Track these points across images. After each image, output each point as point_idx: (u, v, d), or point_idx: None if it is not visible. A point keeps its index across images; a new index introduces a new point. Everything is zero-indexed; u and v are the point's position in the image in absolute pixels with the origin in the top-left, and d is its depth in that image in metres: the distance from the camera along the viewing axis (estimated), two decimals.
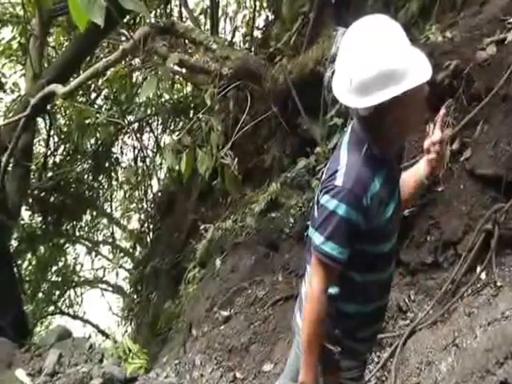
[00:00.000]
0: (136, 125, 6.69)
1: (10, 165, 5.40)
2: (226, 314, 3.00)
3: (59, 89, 4.59)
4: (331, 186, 1.24)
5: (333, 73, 1.28)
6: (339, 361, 1.38)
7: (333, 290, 1.34)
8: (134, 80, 5.84)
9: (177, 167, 3.53)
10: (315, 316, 1.29)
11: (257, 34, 5.39)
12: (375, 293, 1.41)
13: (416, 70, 1.18)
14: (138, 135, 6.76)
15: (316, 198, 1.36)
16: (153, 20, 4.94)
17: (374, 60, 1.17)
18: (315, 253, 1.29)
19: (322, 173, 2.96)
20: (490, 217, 2.22)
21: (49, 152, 6.77)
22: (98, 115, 5.85)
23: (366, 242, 1.30)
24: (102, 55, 5.73)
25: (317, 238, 1.28)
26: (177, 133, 5.73)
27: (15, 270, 5.75)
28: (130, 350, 3.37)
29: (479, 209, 2.30)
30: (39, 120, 6.27)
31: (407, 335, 2.28)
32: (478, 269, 2.23)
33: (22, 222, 6.89)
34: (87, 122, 6.09)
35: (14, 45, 6.43)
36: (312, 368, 1.32)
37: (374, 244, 1.33)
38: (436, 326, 2.23)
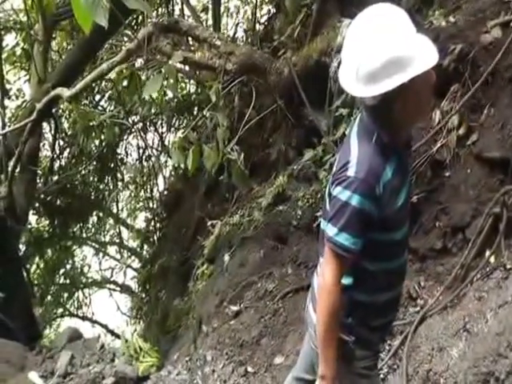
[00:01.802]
0: (140, 124, 6.90)
1: (17, 170, 5.62)
2: (235, 308, 3.10)
3: (65, 92, 4.74)
4: (343, 177, 1.27)
5: (339, 63, 1.37)
6: (353, 350, 1.43)
7: (346, 281, 1.38)
8: (138, 79, 6.02)
9: (182, 164, 3.67)
10: (329, 308, 1.32)
11: (259, 28, 5.54)
12: (388, 282, 1.44)
13: (422, 56, 1.21)
14: (143, 134, 6.95)
15: (327, 190, 1.40)
16: (155, 19, 5.11)
17: (380, 49, 1.21)
18: (329, 244, 1.32)
19: (330, 164, 3.06)
20: (497, 200, 2.28)
21: (54, 155, 7.03)
22: (102, 117, 6.05)
23: (378, 231, 1.33)
24: (104, 56, 5.94)
25: (330, 229, 1.31)
26: (181, 130, 5.89)
27: (24, 273, 5.97)
28: (141, 349, 3.50)
29: (487, 192, 2.36)
30: (44, 124, 6.49)
31: (418, 322, 2.33)
32: (487, 252, 2.28)
33: (30, 226, 7.11)
34: (92, 123, 6.31)
35: (18, 51, 6.69)
36: (331, 361, 1.35)
37: (386, 232, 1.37)
38: (446, 311, 2.29)
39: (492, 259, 2.27)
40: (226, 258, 3.45)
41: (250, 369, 2.84)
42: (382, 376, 2.34)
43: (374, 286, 1.42)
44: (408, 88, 1.22)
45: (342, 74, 1.30)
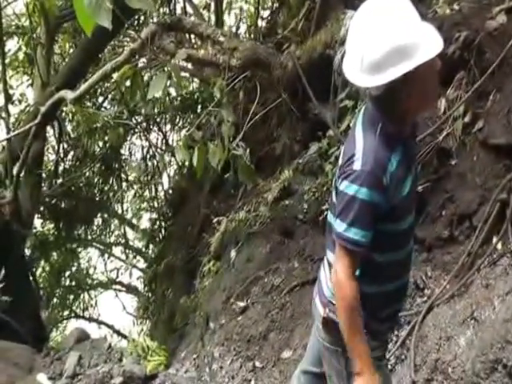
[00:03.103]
0: (144, 124, 7.09)
1: (22, 174, 5.81)
2: (242, 304, 3.19)
3: (69, 94, 4.87)
4: (350, 171, 1.30)
5: (343, 56, 1.35)
6: None
7: None
8: (142, 79, 6.16)
9: (187, 162, 3.78)
10: (348, 304, 1.35)
11: (262, 23, 5.68)
12: (396, 271, 1.48)
13: (427, 43, 1.24)
14: (146, 134, 7.13)
15: (334, 184, 1.43)
16: (157, 18, 5.28)
17: (385, 37, 1.23)
18: (338, 240, 1.34)
19: (336, 157, 3.15)
20: (504, 186, 2.33)
21: (59, 158, 7.26)
22: (106, 118, 6.23)
23: (385, 221, 1.37)
24: (106, 57, 6.13)
25: (339, 225, 1.33)
26: (186, 129, 6.06)
27: (31, 277, 6.17)
28: (148, 348, 3.62)
29: (493, 179, 2.41)
30: (47, 127, 6.69)
31: (425, 312, 2.38)
32: (494, 239, 2.33)
33: (35, 230, 7.26)
34: (95, 125, 6.50)
35: (20, 56, 6.93)
36: (364, 355, 1.36)
37: (393, 222, 1.40)
38: (453, 300, 2.33)
39: (499, 246, 2.32)
40: (233, 253, 3.56)
41: (257, 364, 2.93)
42: (389, 367, 2.39)
43: (381, 276, 1.46)
44: (413, 76, 1.24)
45: (347, 64, 1.33)
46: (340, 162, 1.41)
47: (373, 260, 1.44)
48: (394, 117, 1.34)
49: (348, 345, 1.39)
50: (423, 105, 1.38)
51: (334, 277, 1.38)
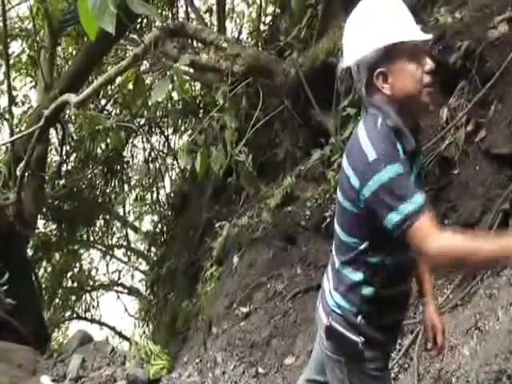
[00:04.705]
0: (146, 127, 7.05)
1: (25, 175, 5.75)
2: (245, 310, 3.16)
3: (72, 98, 4.83)
4: (369, 166, 1.26)
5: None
6: (363, 351, 1.42)
7: (356, 277, 1.40)
8: (143, 82, 6.12)
9: (189, 166, 3.73)
10: (458, 253, 1.24)
11: (264, 29, 5.63)
12: (400, 275, 1.44)
13: (405, 32, 1.26)
14: (149, 137, 7.10)
15: (341, 191, 1.38)
16: (158, 23, 5.23)
17: (368, 21, 1.29)
18: (403, 228, 1.24)
19: (338, 164, 3.09)
20: (507, 196, 2.31)
21: (61, 160, 7.22)
22: (108, 121, 6.19)
23: None
24: (109, 61, 6.09)
25: (391, 218, 1.24)
26: (188, 133, 6.03)
27: (33, 278, 6.12)
28: (151, 352, 3.59)
29: (496, 189, 2.39)
30: (50, 129, 6.63)
31: None
32: None
33: (37, 231, 7.26)
34: (98, 128, 6.47)
35: (24, 58, 6.88)
36: (498, 250, 1.21)
37: None
38: (457, 309, 2.31)
39: None
40: (235, 259, 3.52)
41: (260, 370, 2.89)
42: (393, 375, 2.36)
43: (384, 280, 1.43)
44: (385, 59, 1.27)
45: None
46: (349, 169, 1.34)
47: (377, 263, 1.40)
48: (387, 104, 1.33)
49: (489, 259, 1.27)
50: (411, 101, 1.33)
51: (430, 255, 1.26)
